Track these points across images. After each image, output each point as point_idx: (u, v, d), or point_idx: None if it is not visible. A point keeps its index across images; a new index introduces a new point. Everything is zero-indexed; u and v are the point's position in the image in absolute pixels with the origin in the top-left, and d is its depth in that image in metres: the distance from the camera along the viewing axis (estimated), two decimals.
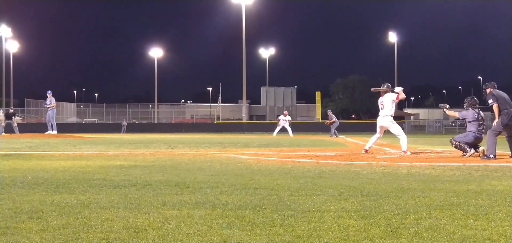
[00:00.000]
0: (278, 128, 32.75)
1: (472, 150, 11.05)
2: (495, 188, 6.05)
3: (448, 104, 12.40)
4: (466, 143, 11.20)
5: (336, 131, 30.95)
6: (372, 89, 13.53)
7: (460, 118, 11.63)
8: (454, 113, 11.97)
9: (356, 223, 4.04)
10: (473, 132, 11.19)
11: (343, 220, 4.16)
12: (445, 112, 12.45)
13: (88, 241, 3.54)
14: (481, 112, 11.50)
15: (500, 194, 5.53)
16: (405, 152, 12.12)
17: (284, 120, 32.66)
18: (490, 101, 10.60)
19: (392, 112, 12.45)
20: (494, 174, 7.71)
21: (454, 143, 11.39)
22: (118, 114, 68.50)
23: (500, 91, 10.77)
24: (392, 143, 16.79)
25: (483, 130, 11.33)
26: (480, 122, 11.30)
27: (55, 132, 24.85)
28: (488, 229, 3.86)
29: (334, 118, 31.41)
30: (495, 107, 10.47)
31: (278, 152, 13.60)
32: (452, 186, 6.22)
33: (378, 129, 12.74)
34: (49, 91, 25.08)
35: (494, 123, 10.64)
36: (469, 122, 11.34)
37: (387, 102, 12.39)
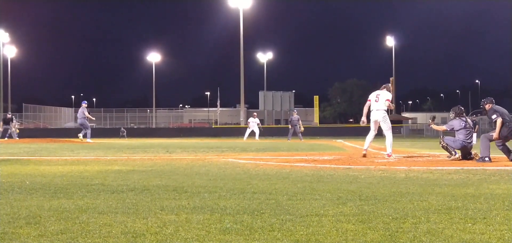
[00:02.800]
0: (248, 131, 31.42)
1: (458, 154, 11.31)
2: (493, 192, 6.06)
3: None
4: (454, 148, 11.43)
5: (292, 136, 29.98)
6: (391, 79, 13.57)
7: (448, 129, 11.79)
8: (441, 127, 12.08)
9: (354, 227, 4.04)
10: (461, 140, 11.38)
11: (342, 224, 4.16)
12: (432, 128, 12.70)
13: None
14: (468, 119, 11.70)
15: (498, 198, 5.53)
16: (389, 155, 12.11)
17: (254, 122, 31.35)
18: (493, 116, 10.81)
19: (385, 108, 12.58)
20: (492, 178, 7.72)
21: (442, 143, 11.60)
22: (116, 119, 68.49)
23: (499, 107, 11.01)
24: None
25: (471, 137, 11.48)
26: (468, 130, 11.46)
27: (89, 139, 24.13)
28: (486, 233, 3.86)
29: (294, 121, 30.40)
30: (498, 122, 10.64)
31: (276, 156, 13.60)
32: (450, 190, 6.23)
33: (372, 126, 12.83)
34: (85, 102, 24.61)
35: (491, 133, 10.85)
36: (457, 130, 11.56)
37: (383, 98, 12.48)
